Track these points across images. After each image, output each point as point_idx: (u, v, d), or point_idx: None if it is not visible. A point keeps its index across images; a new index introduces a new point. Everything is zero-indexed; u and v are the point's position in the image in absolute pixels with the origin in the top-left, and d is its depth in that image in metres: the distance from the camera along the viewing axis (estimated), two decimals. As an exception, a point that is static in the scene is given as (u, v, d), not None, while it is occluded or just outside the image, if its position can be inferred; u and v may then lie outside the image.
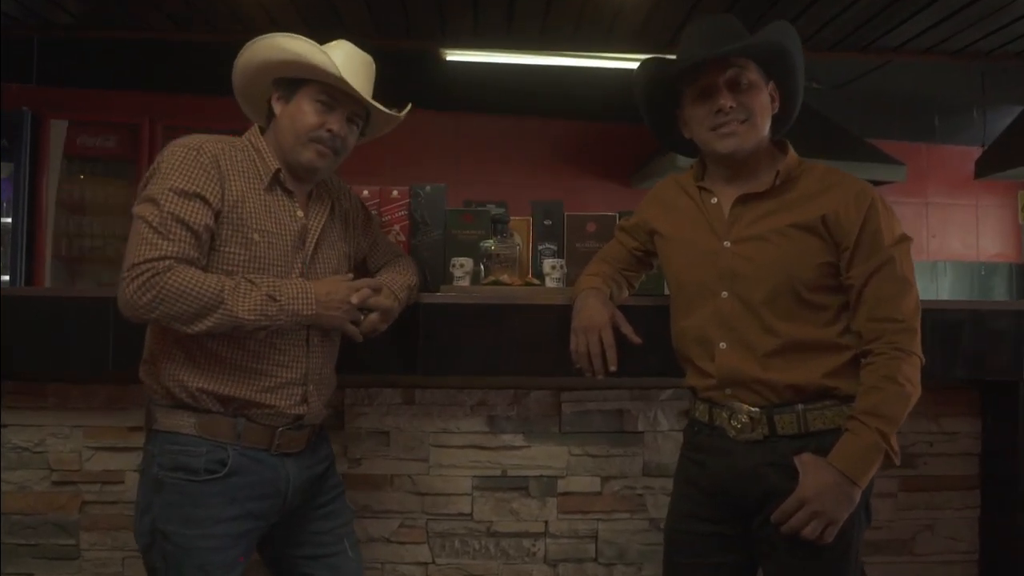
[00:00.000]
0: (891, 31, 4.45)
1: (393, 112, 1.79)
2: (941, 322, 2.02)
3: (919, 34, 4.50)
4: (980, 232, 6.76)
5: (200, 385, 1.62)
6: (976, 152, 5.86)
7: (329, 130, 1.70)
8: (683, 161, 5.03)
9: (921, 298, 1.65)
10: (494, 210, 2.35)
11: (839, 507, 1.56)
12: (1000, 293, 6.78)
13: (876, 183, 5.53)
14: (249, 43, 1.72)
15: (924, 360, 1.61)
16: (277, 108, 1.73)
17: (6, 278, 4.69)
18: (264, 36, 1.71)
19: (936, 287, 6.60)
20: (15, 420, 2.17)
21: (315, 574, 1.78)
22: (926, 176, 6.56)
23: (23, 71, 5.09)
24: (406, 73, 5.32)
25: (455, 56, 4.97)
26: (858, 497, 1.57)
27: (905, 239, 1.65)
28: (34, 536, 2.16)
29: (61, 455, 2.16)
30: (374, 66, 1.80)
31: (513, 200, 2.64)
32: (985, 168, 5.33)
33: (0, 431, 2.16)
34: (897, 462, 1.58)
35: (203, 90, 5.05)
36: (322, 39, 1.76)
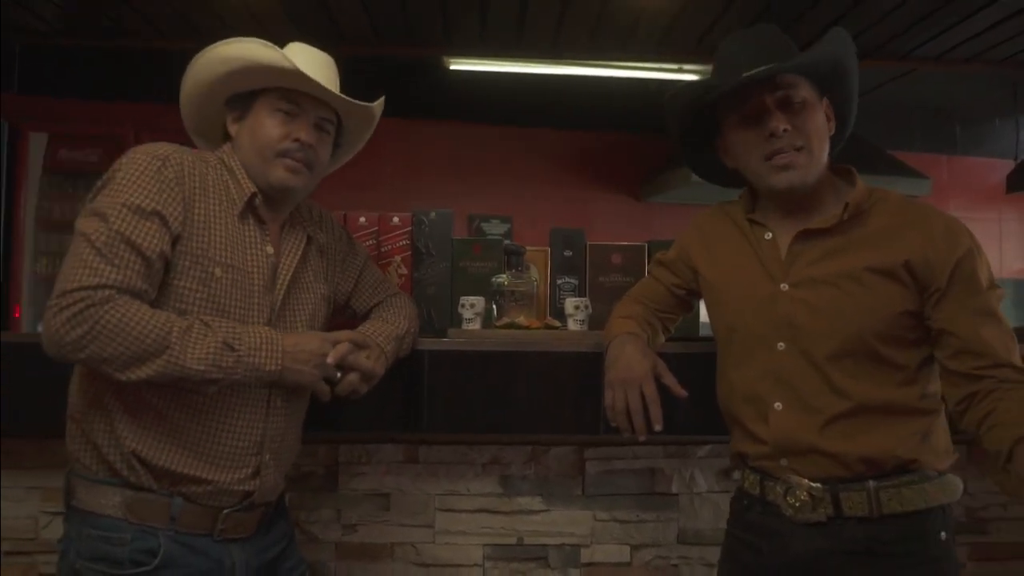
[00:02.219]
0: (931, 40, 4.35)
1: (367, 104, 1.58)
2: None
3: (962, 42, 4.39)
4: (1003, 247, 6.62)
5: (134, 447, 1.37)
6: (1000, 164, 5.77)
7: (296, 139, 1.48)
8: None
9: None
10: (502, 235, 2.13)
11: None
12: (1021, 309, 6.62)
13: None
14: (188, 68, 1.53)
15: None
16: (233, 130, 1.52)
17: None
18: (200, 54, 1.51)
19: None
20: (-40, 482, 1.94)
21: None
22: (947, 188, 6.48)
23: (3, 80, 4.95)
24: (408, 83, 5.25)
25: (459, 65, 4.80)
26: None
27: (997, 287, 1.42)
28: (-18, 616, 1.94)
29: (15, 522, 1.94)
30: (335, 66, 1.59)
31: (519, 214, 2.49)
32: (1019, 182, 5.15)
33: (-55, 493, 1.94)
34: None
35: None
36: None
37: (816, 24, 4.13)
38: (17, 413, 1.77)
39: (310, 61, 1.52)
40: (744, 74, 1.43)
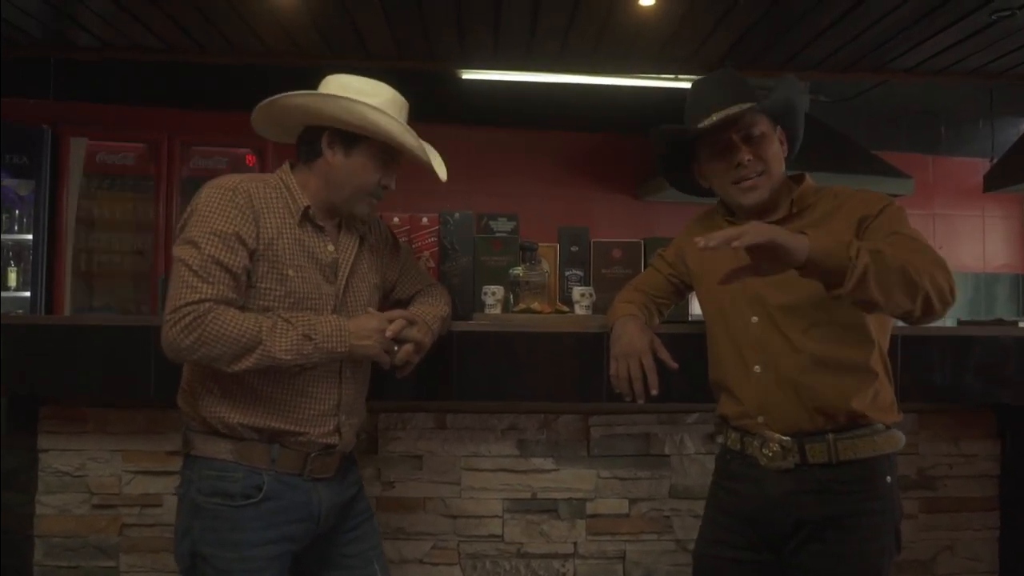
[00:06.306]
0: (905, 53, 4.53)
1: (441, 174, 1.88)
2: (959, 346, 2.08)
3: (933, 55, 4.57)
4: (987, 243, 6.82)
5: (239, 420, 1.67)
6: (981, 164, 5.91)
7: (385, 186, 1.78)
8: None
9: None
10: (509, 232, 2.42)
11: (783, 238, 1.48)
12: (1004, 302, 6.82)
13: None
14: (308, 94, 1.71)
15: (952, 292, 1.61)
16: (330, 155, 1.75)
17: (26, 294, 4.74)
18: (325, 96, 1.71)
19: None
20: (55, 445, 2.22)
21: None
22: (933, 187, 6.63)
23: (40, 86, 5.13)
24: (423, 90, 5.43)
25: (471, 75, 5.03)
26: (800, 254, 1.48)
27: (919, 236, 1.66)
28: (75, 558, 2.21)
29: (101, 479, 2.22)
30: (407, 106, 1.83)
31: (525, 212, 2.69)
32: (994, 182, 5.36)
33: (38, 456, 2.21)
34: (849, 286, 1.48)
35: (220, 106, 5.13)
36: (346, 64, 1.76)
37: (797, 44, 4.28)
38: (105, 385, 2.08)
39: (398, 111, 1.76)
40: (715, 115, 1.72)
